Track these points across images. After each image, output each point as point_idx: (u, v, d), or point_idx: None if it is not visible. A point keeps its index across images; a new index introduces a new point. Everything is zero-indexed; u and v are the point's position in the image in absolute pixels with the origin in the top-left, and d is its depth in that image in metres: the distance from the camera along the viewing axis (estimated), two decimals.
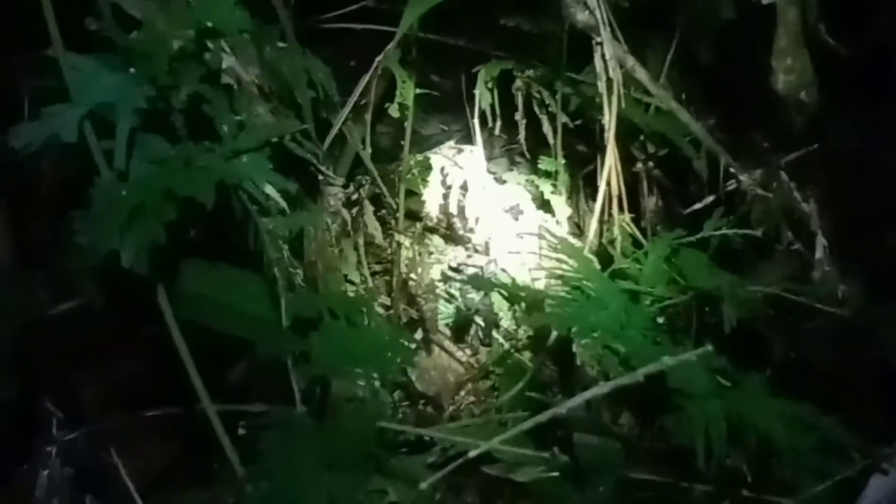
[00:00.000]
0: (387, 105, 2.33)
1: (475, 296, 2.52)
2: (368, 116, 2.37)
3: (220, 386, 1.86)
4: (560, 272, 2.09)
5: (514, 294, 2.34)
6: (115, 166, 1.64)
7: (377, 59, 2.28)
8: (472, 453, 1.91)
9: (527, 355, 2.52)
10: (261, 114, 1.96)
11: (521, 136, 2.69)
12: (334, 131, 2.24)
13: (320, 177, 2.07)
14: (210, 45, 1.83)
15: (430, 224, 2.60)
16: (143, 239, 1.58)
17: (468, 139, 2.70)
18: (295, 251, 2.05)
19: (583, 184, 2.77)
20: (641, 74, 2.38)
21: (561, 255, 2.08)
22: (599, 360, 1.90)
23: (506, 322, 2.55)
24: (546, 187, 2.65)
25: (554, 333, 2.23)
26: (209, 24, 1.73)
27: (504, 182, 2.66)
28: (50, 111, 1.66)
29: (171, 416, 2.02)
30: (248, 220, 1.81)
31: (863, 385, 2.21)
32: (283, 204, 1.82)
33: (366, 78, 2.28)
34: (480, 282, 2.31)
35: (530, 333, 2.53)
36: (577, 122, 2.64)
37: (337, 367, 1.76)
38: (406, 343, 1.94)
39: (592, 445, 2.00)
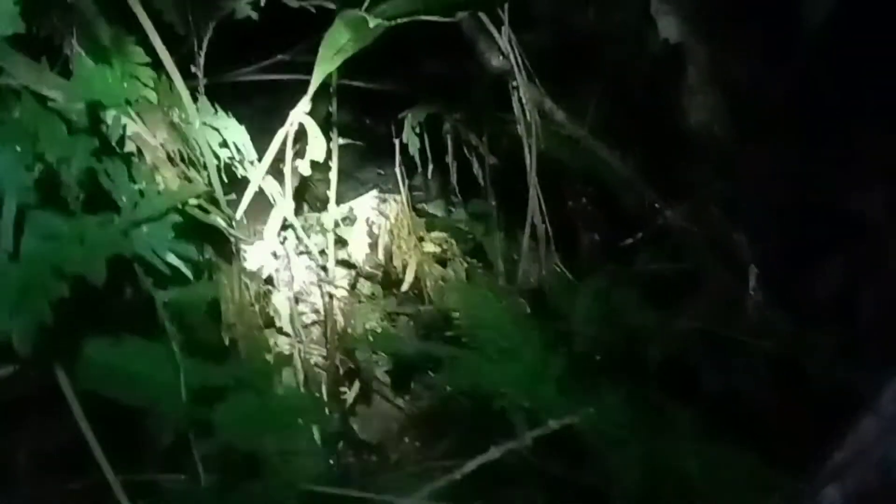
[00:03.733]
0: (295, 164, 2.30)
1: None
2: (287, 170, 2.35)
3: (132, 455, 1.84)
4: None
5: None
6: (3, 246, 1.62)
7: (291, 112, 2.26)
8: None
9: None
10: (167, 179, 1.95)
11: (453, 178, 2.69)
12: (252, 189, 2.23)
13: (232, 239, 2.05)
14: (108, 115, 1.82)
15: (362, 272, 2.58)
16: (31, 319, 1.56)
17: None
18: (213, 314, 2.04)
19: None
20: (559, 116, 2.38)
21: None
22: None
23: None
24: (478, 230, 2.65)
25: None
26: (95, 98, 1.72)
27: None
28: None
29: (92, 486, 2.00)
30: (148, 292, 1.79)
31: (790, 417, 2.20)
32: (188, 273, 1.81)
33: (282, 133, 2.26)
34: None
35: None
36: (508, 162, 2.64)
37: (243, 437, 1.74)
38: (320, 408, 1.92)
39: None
